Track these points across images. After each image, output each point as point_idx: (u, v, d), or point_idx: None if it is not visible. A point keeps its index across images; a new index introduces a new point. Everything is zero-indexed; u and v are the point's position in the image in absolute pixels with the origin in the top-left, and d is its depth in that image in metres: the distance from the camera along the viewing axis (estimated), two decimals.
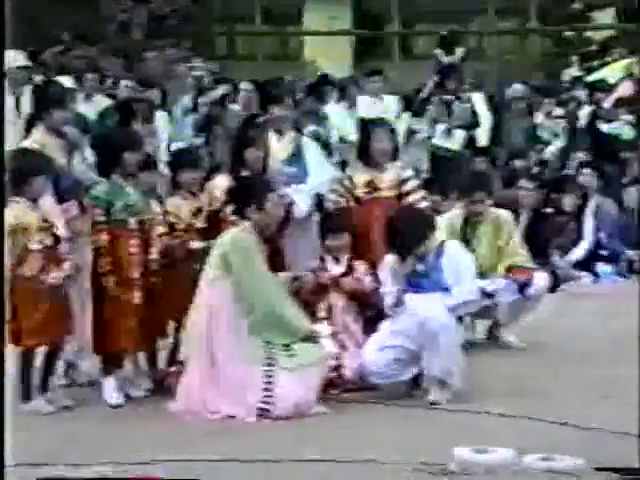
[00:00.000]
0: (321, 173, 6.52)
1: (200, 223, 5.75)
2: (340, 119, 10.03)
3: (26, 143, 5.69)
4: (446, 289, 5.44)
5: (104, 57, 13.71)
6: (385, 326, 5.51)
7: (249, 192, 5.43)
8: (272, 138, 6.39)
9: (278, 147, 6.39)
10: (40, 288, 5.10)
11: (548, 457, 4.37)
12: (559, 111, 11.57)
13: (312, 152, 6.60)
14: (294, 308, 5.33)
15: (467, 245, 6.15)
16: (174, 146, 8.95)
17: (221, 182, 5.95)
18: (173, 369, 5.55)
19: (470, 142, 10.51)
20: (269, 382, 5.12)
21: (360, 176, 6.33)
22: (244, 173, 5.92)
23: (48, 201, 5.32)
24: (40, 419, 5.11)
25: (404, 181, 6.36)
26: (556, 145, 10.97)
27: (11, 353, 5.24)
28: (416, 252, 5.46)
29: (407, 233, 5.45)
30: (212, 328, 5.18)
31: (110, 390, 5.39)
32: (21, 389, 5.22)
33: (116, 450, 4.64)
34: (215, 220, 5.76)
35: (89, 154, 5.93)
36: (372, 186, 6.29)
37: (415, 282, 5.47)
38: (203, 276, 5.30)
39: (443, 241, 5.62)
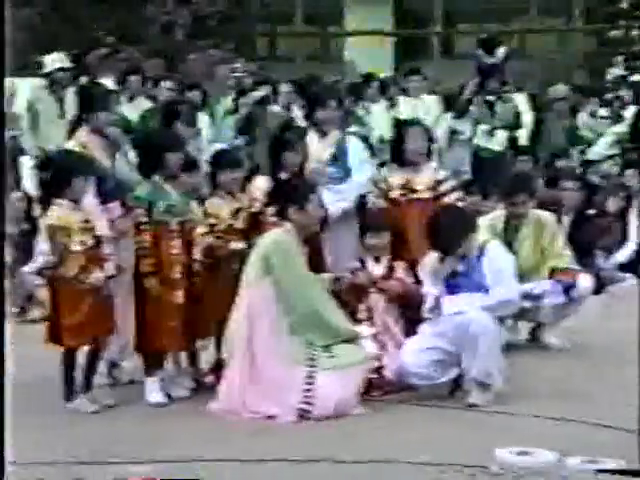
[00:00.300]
0: (362, 173, 6.50)
1: (240, 224, 5.77)
2: (380, 119, 10.00)
3: (70, 144, 5.74)
4: (486, 290, 5.41)
5: (146, 58, 13.79)
6: (425, 328, 5.49)
7: (290, 193, 5.44)
8: (314, 138, 6.39)
9: (320, 147, 6.38)
10: (81, 288, 5.14)
11: (591, 460, 4.33)
12: (603, 111, 11.44)
13: (356, 152, 6.56)
14: (335, 309, 5.33)
15: (509, 247, 6.11)
16: (215, 147, 8.98)
17: (261, 183, 5.97)
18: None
19: (513, 143, 10.43)
20: (310, 383, 5.12)
21: (396, 177, 6.34)
22: (283, 175, 5.93)
23: (90, 202, 5.36)
24: (83, 418, 5.16)
25: (440, 182, 6.34)
26: (601, 145, 10.84)
27: (54, 353, 5.31)
28: (458, 251, 5.43)
29: (449, 231, 5.43)
30: (253, 328, 5.19)
31: (152, 389, 5.42)
32: (64, 388, 5.26)
33: (157, 449, 4.67)
34: (255, 221, 5.78)
35: (132, 155, 5.97)
36: (408, 187, 6.30)
37: (455, 282, 5.45)
38: (243, 277, 5.31)
39: (485, 242, 5.59)
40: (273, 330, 5.19)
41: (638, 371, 5.06)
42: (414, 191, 6.31)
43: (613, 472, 4.19)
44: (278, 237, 5.30)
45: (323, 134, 6.45)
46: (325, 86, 7.50)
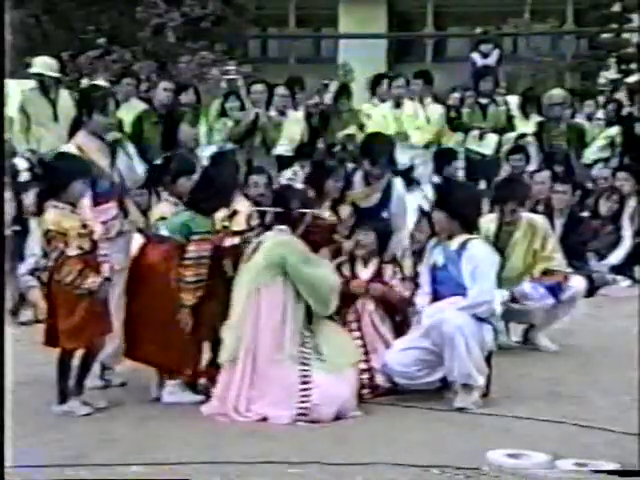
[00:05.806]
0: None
1: (235, 226, 5.75)
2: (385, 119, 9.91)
3: (67, 146, 5.70)
4: (462, 286, 5.38)
5: (137, 60, 13.78)
6: (413, 328, 5.51)
7: (297, 200, 5.44)
8: (357, 184, 6.32)
9: (364, 194, 6.35)
10: (78, 293, 5.12)
11: (582, 462, 4.33)
12: (600, 114, 11.42)
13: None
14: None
15: (501, 251, 6.09)
16: (208, 150, 8.96)
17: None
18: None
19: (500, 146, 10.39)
20: (306, 386, 5.11)
21: None
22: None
23: (84, 204, 5.34)
24: (75, 420, 5.15)
25: None
26: (594, 148, 10.82)
27: (45, 355, 5.30)
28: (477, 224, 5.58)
29: (469, 205, 5.52)
30: (259, 332, 5.17)
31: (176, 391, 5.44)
32: (58, 390, 5.24)
33: (149, 451, 4.66)
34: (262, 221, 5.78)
35: (133, 153, 5.98)
36: None
37: (434, 275, 5.47)
38: (245, 282, 5.25)
39: (469, 238, 5.46)
40: (278, 334, 5.16)
41: (638, 371, 5.06)
42: None
43: (608, 473, 4.20)
44: (288, 240, 5.28)
45: (368, 183, 6.39)
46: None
